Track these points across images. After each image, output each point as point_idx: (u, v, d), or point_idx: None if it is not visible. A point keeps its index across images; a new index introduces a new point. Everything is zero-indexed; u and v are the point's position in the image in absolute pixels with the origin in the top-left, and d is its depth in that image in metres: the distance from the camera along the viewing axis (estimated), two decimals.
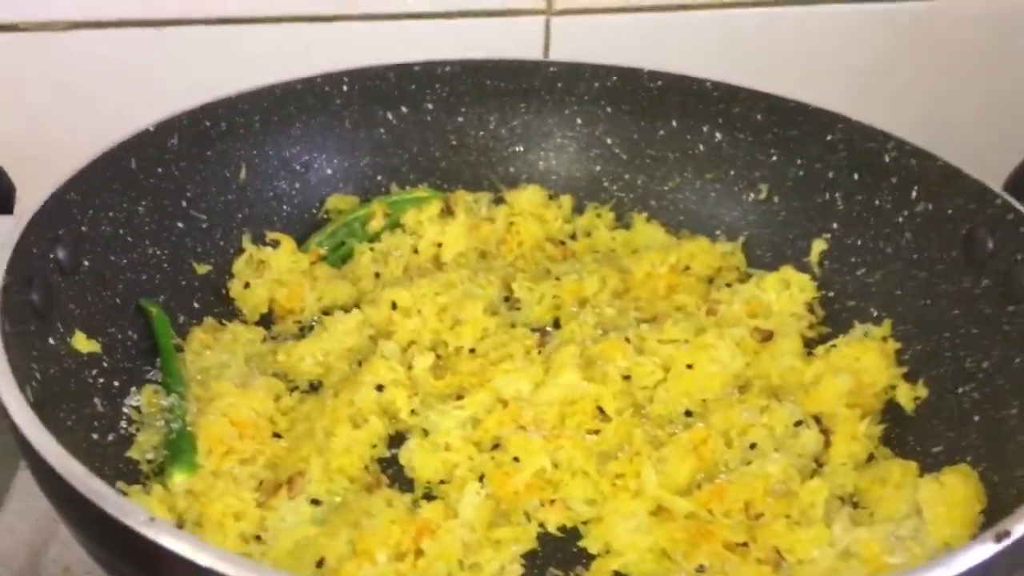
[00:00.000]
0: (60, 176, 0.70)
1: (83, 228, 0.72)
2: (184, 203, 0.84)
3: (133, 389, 0.72)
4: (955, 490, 0.61)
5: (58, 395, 0.62)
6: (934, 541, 0.60)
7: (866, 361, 0.78)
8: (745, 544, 0.63)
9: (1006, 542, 0.42)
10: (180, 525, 0.63)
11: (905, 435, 0.74)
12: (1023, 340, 0.69)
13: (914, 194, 0.82)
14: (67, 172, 0.70)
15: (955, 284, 0.78)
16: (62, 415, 0.62)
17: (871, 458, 0.73)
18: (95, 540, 0.47)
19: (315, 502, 0.66)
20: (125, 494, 0.63)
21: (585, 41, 1.09)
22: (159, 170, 0.81)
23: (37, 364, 0.61)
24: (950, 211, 0.79)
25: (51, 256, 0.67)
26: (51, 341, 0.65)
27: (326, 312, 0.87)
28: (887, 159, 0.85)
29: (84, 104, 1.04)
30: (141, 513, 0.41)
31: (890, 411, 0.77)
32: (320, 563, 0.60)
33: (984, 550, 0.42)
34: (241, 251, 0.88)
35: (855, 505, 0.69)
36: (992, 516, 0.61)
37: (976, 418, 0.70)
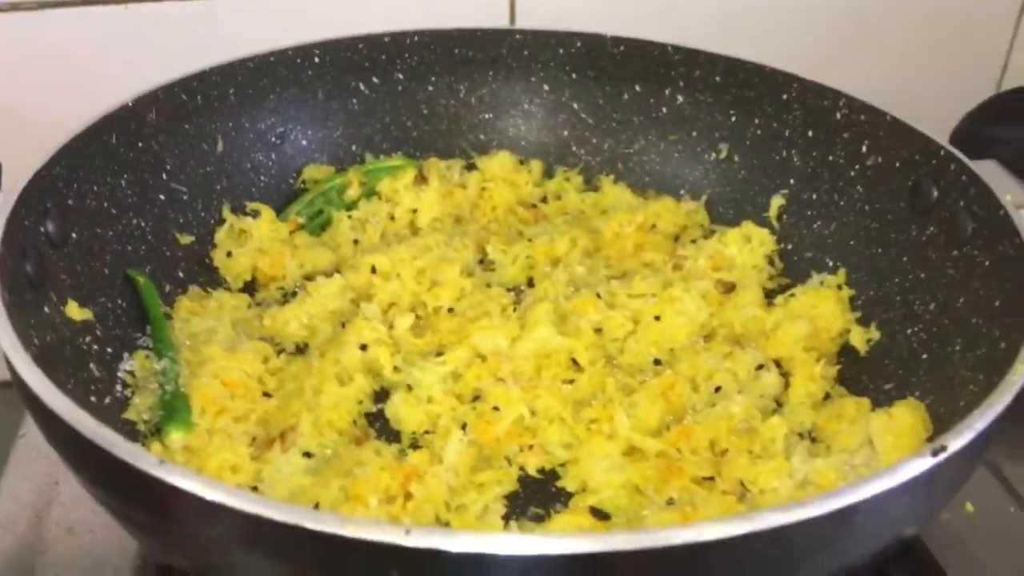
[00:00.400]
0: (45, 152, 0.72)
1: (69, 202, 0.74)
2: (164, 176, 0.86)
3: (126, 355, 0.75)
4: (903, 420, 0.66)
5: (56, 360, 0.65)
6: (884, 467, 0.65)
7: (822, 308, 0.83)
8: (711, 478, 0.68)
9: (942, 456, 0.46)
10: None
11: (859, 375, 0.79)
12: (965, 282, 0.73)
13: (864, 148, 0.87)
14: (51, 147, 0.72)
15: (904, 233, 0.82)
16: (61, 378, 0.64)
17: (828, 397, 0.77)
18: (107, 487, 0.50)
19: (307, 455, 0.69)
20: None
21: (551, 3, 1.12)
22: (139, 144, 0.83)
23: (35, 331, 0.64)
24: (898, 164, 0.83)
25: (41, 229, 0.70)
26: (46, 310, 0.68)
27: (308, 278, 0.90)
28: (838, 116, 0.89)
29: (57, 82, 1.05)
30: (151, 457, 0.44)
31: (845, 353, 0.82)
32: (315, 509, 0.64)
33: (923, 463, 0.46)
34: (222, 221, 0.90)
35: (813, 440, 0.73)
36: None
37: (924, 356, 0.75)
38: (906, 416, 0.67)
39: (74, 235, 0.74)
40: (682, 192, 1.00)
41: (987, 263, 0.71)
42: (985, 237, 0.72)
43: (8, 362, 0.54)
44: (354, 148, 1.01)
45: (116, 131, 0.80)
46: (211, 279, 0.88)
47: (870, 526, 0.47)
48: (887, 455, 0.65)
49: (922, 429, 0.66)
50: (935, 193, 0.79)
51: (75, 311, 0.71)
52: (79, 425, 0.48)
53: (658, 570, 0.42)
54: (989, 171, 0.78)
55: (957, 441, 0.48)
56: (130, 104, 0.81)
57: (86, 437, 0.47)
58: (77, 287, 0.73)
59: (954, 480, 0.50)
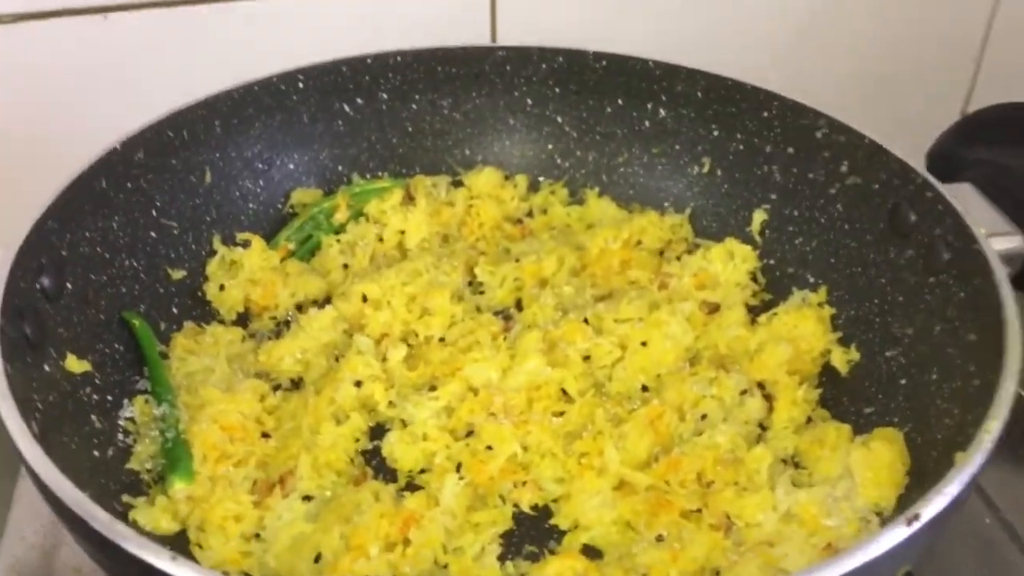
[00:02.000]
0: (36, 207, 0.73)
1: (63, 252, 0.75)
2: (154, 212, 0.87)
3: (125, 401, 0.76)
4: (881, 455, 0.69)
5: (59, 420, 0.67)
6: (864, 502, 0.68)
7: (804, 328, 0.85)
8: (699, 511, 0.71)
9: (916, 525, 0.49)
10: (184, 530, 0.69)
11: (840, 396, 0.82)
12: (942, 310, 0.76)
13: (844, 168, 0.88)
14: (42, 201, 0.73)
15: (882, 254, 0.84)
16: (65, 439, 0.66)
17: (809, 420, 0.80)
18: (120, 573, 0.52)
19: (307, 498, 0.72)
20: (132, 507, 0.68)
21: (532, 16, 1.12)
22: (128, 185, 0.83)
23: (37, 394, 0.65)
24: (876, 186, 0.85)
25: (37, 286, 0.71)
26: (46, 368, 0.69)
27: (300, 306, 0.91)
28: (819, 135, 0.90)
29: (34, 93, 1.04)
30: (164, 553, 0.46)
31: (826, 374, 0.84)
32: (317, 558, 0.66)
33: (898, 533, 0.49)
34: (213, 253, 0.91)
35: (796, 465, 0.76)
36: (916, 477, 0.69)
37: (902, 381, 0.78)
38: (884, 450, 0.69)
39: (69, 285, 0.75)
40: (666, 205, 1.02)
41: (962, 295, 0.73)
42: (960, 268, 0.74)
43: (17, 451, 0.56)
44: (341, 169, 1.02)
45: (105, 175, 0.81)
46: (204, 312, 0.89)
47: None
48: (866, 491, 0.68)
49: (900, 463, 0.69)
50: (912, 218, 0.81)
51: (74, 364, 0.72)
52: (94, 521, 0.50)
53: None
54: (965, 197, 0.80)
55: (930, 509, 0.50)
56: (118, 147, 0.82)
57: (100, 532, 0.49)
58: (74, 339, 0.74)
59: (930, 536, 0.52)
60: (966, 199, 0.80)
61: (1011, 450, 0.59)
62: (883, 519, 0.67)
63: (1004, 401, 0.58)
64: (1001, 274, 0.68)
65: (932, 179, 0.79)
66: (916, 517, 0.49)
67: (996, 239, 0.75)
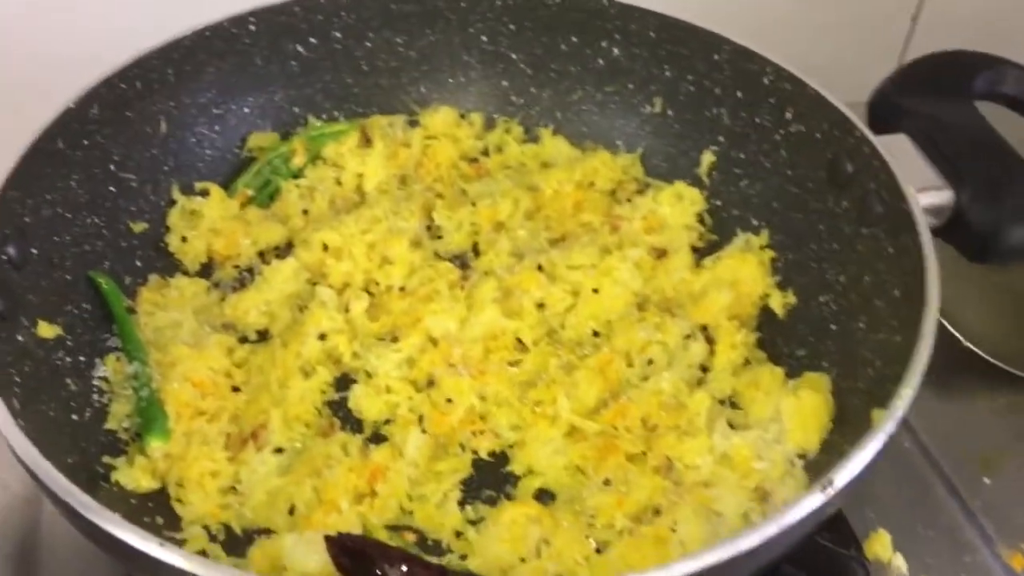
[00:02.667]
0: None
1: (26, 219, 0.76)
2: (112, 167, 0.87)
3: (98, 360, 0.79)
4: (808, 402, 0.75)
5: (37, 390, 0.70)
6: (792, 446, 0.74)
7: (746, 272, 0.90)
8: (643, 454, 0.77)
9: (831, 490, 0.55)
10: (163, 487, 0.73)
11: (776, 338, 0.88)
12: (872, 262, 0.80)
13: (788, 115, 0.91)
14: (0, 172, 0.74)
15: (821, 202, 0.88)
16: (43, 408, 0.70)
17: (747, 361, 0.86)
18: (114, 555, 0.57)
19: (279, 450, 0.76)
20: (113, 467, 0.72)
21: None
22: (85, 142, 0.84)
23: (14, 367, 0.68)
24: (818, 135, 0.88)
25: (3, 257, 0.72)
26: (20, 339, 0.72)
27: (261, 253, 0.94)
28: (766, 81, 0.92)
29: None
30: (153, 540, 0.51)
31: (763, 316, 0.90)
32: (292, 510, 0.72)
33: (814, 500, 0.55)
34: (173, 203, 0.93)
35: (733, 405, 0.82)
36: (838, 423, 0.75)
37: (833, 327, 0.83)
38: (811, 398, 0.76)
39: (34, 251, 0.77)
40: (618, 144, 1.04)
41: (891, 249, 0.78)
42: (890, 224, 0.78)
43: (8, 444, 0.59)
44: (296, 111, 1.02)
45: (62, 136, 0.81)
46: (168, 264, 0.91)
47: (773, 549, 0.56)
48: (794, 436, 0.74)
49: (825, 410, 0.75)
50: (850, 169, 0.85)
51: (46, 329, 0.75)
52: (83, 509, 0.54)
53: None
54: (899, 149, 0.83)
55: (843, 475, 0.56)
56: (73, 106, 0.82)
57: (90, 519, 0.53)
58: (43, 304, 0.76)
59: (845, 497, 0.59)
60: (901, 152, 0.83)
61: (929, 377, 0.64)
62: (807, 462, 0.74)
63: (918, 368, 0.63)
64: (927, 236, 0.72)
65: (869, 134, 0.82)
66: (830, 483, 0.55)
67: (926, 194, 0.79)
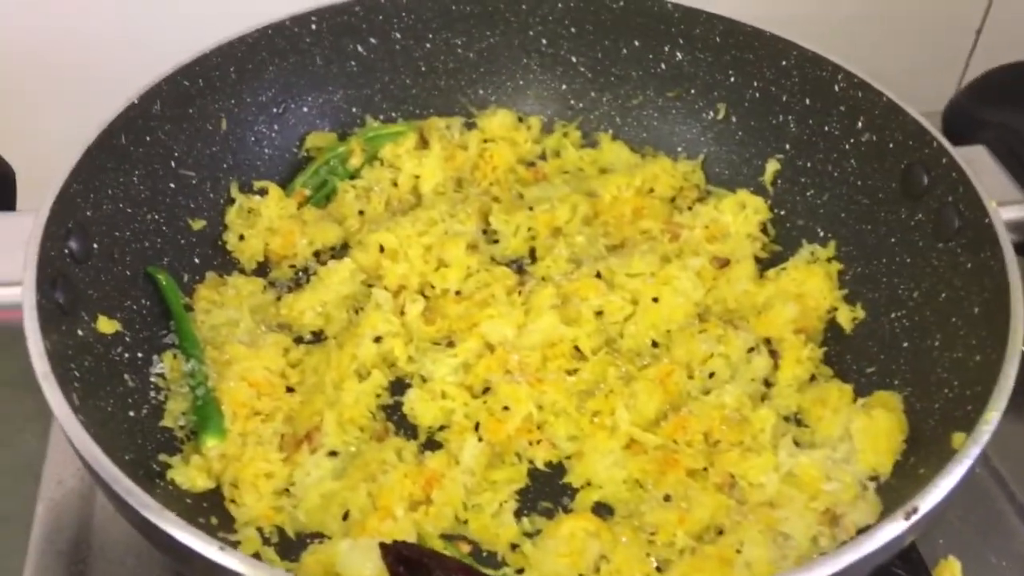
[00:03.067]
0: (60, 171, 0.73)
1: (88, 213, 0.76)
2: (173, 163, 0.87)
3: (155, 357, 0.79)
4: (881, 422, 0.72)
5: (96, 385, 0.70)
6: (862, 467, 0.71)
7: (812, 284, 0.87)
8: (705, 469, 0.75)
9: (914, 518, 0.52)
10: (218, 486, 0.73)
11: (843, 354, 0.85)
12: (949, 277, 0.77)
13: (860, 124, 0.88)
14: (65, 166, 0.74)
15: (893, 213, 0.85)
16: (102, 403, 0.69)
17: (813, 378, 0.83)
18: (168, 554, 0.56)
19: (333, 453, 0.75)
20: (169, 466, 0.72)
21: None
22: (147, 138, 0.84)
23: (74, 362, 0.68)
24: (891, 144, 0.85)
25: (65, 251, 0.72)
26: (80, 333, 0.71)
27: (317, 253, 0.93)
28: (836, 88, 0.90)
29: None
30: (214, 543, 0.50)
31: (831, 331, 0.87)
32: (345, 516, 0.70)
33: (896, 527, 0.52)
34: (231, 201, 0.92)
35: (798, 423, 0.80)
36: (913, 444, 0.72)
37: (905, 344, 0.80)
38: (884, 418, 0.73)
39: (96, 246, 0.77)
40: (679, 151, 1.02)
41: (969, 265, 0.75)
42: (969, 238, 0.76)
43: (68, 439, 0.59)
44: (355, 111, 1.02)
45: (125, 132, 0.81)
46: (225, 262, 0.91)
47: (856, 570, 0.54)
48: (865, 457, 0.71)
49: (899, 431, 0.73)
50: (926, 181, 0.82)
51: (105, 324, 0.75)
52: (142, 508, 0.53)
53: None
54: (978, 160, 0.80)
55: (927, 501, 0.54)
56: (136, 101, 0.82)
57: (148, 518, 0.52)
58: (103, 298, 0.76)
59: (928, 525, 0.56)
60: (980, 163, 0.80)
61: None
62: (879, 485, 0.71)
63: (1004, 391, 0.60)
64: (1010, 254, 0.69)
65: (947, 144, 0.79)
66: (914, 510, 0.52)
67: (1007, 208, 0.76)
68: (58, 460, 0.85)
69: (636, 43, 1.01)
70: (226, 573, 0.51)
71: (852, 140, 0.89)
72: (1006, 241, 0.71)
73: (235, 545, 0.67)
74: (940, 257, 0.79)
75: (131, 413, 0.73)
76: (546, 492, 0.75)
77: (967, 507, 0.85)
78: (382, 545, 0.63)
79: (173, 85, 0.86)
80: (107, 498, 0.59)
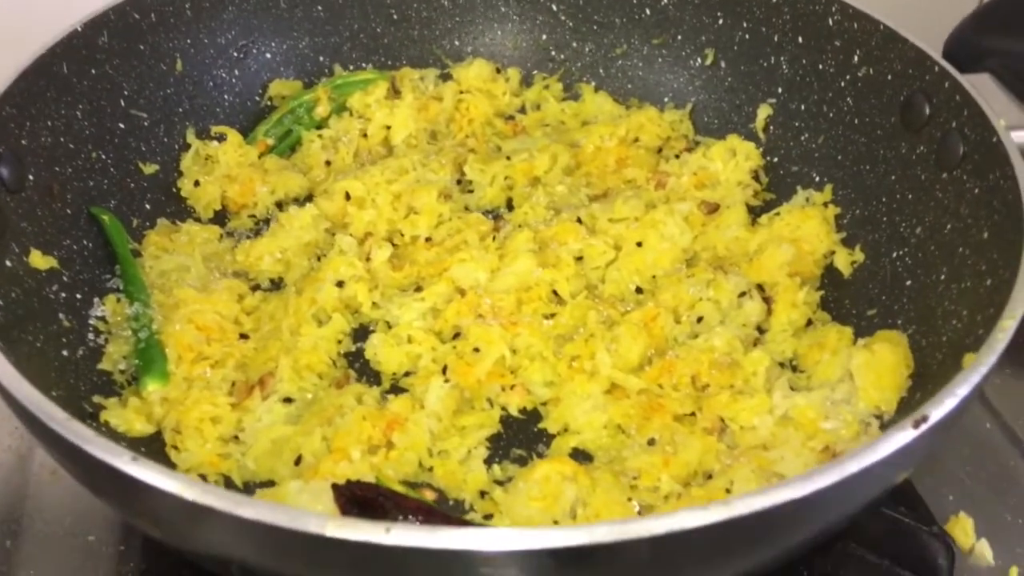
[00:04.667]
0: None
1: (23, 142, 0.70)
2: (123, 102, 0.82)
3: (96, 300, 0.73)
4: (884, 357, 0.66)
5: (23, 317, 0.64)
6: (865, 406, 0.65)
7: (807, 228, 0.81)
8: (692, 414, 0.68)
9: (924, 427, 0.46)
10: (159, 432, 0.66)
11: (842, 299, 0.79)
12: (954, 207, 0.72)
13: (856, 58, 0.83)
14: None
15: (893, 150, 0.80)
16: (29, 337, 0.63)
17: (810, 323, 0.77)
18: (83, 478, 0.50)
19: (288, 400, 0.69)
20: (103, 407, 0.65)
21: None
22: (92, 71, 0.78)
23: None
24: (890, 76, 0.80)
25: None
26: (8, 264, 0.65)
27: (280, 204, 0.87)
28: (830, 22, 0.84)
29: None
30: (125, 453, 0.43)
31: (828, 276, 0.81)
32: (298, 460, 0.64)
33: (904, 435, 0.46)
34: (187, 147, 0.87)
35: (794, 369, 0.74)
36: (919, 380, 0.66)
37: (908, 282, 0.74)
38: (888, 352, 0.67)
39: (31, 177, 0.71)
40: (666, 100, 0.97)
41: (976, 190, 0.69)
42: (976, 163, 0.70)
43: None
44: (322, 59, 0.96)
45: (66, 60, 0.75)
46: (179, 209, 0.85)
47: (854, 493, 0.47)
48: (867, 394, 0.65)
49: (903, 366, 0.66)
50: (927, 110, 0.76)
51: (39, 260, 0.69)
52: (50, 420, 0.47)
53: (644, 557, 0.42)
54: (983, 87, 0.75)
55: (939, 411, 0.47)
56: (79, 29, 0.76)
57: (58, 432, 0.46)
58: (39, 233, 0.70)
59: (937, 438, 0.50)
60: (985, 90, 0.75)
61: (1012, 355, 0.55)
62: (883, 422, 0.65)
63: (1021, 299, 0.54)
64: (1021, 168, 0.64)
65: (950, 67, 0.73)
66: (924, 419, 0.46)
67: (1015, 132, 0.70)
68: None
69: None
70: (149, 492, 0.45)
71: (848, 76, 0.84)
72: (1017, 158, 0.65)
73: None
74: (944, 188, 0.74)
75: (64, 352, 0.67)
76: (520, 439, 0.69)
77: (978, 463, 0.79)
78: (334, 486, 0.57)
79: (122, 17, 0.80)
80: (28, 428, 0.52)
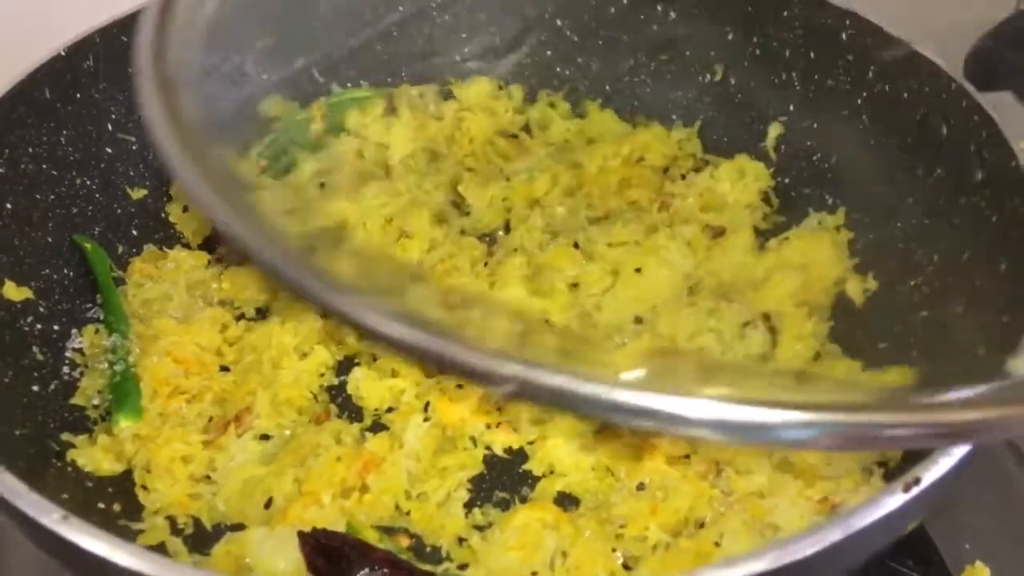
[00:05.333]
0: None
1: (0, 170, 0.69)
2: (110, 126, 0.80)
3: (74, 331, 0.71)
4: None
5: None
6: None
7: (818, 254, 0.77)
8: (687, 456, 0.64)
9: (915, 490, 0.42)
10: (130, 471, 0.64)
11: (853, 330, 0.74)
12: (971, 236, 0.67)
13: (871, 75, 0.79)
14: None
15: (909, 172, 0.75)
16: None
17: (818, 356, 0.73)
18: (21, 529, 0.47)
19: (264, 437, 0.67)
20: (73, 445, 0.63)
21: None
22: (77, 95, 0.77)
23: None
24: (905, 94, 0.76)
25: None
26: None
27: None
28: (844, 36, 0.80)
29: None
30: (55, 511, 0.41)
31: (840, 305, 0.77)
32: (268, 503, 0.61)
33: (894, 500, 0.42)
34: None
35: None
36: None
37: (923, 314, 0.70)
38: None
39: (8, 206, 0.69)
40: (674, 118, 0.93)
41: (994, 218, 0.65)
42: (994, 188, 0.66)
43: None
44: (318, 77, 0.94)
45: (48, 85, 0.74)
46: (168, 235, 0.83)
47: (846, 555, 0.43)
48: None
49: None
50: (944, 131, 0.72)
51: (12, 291, 0.67)
52: None
53: None
54: (1004, 106, 0.70)
55: (931, 473, 0.43)
56: (63, 53, 0.75)
57: None
58: (14, 263, 0.69)
59: (934, 498, 0.46)
60: (1005, 109, 0.70)
61: None
62: (888, 470, 0.60)
63: None
64: None
65: (968, 85, 0.69)
66: (916, 481, 0.42)
67: None
68: None
69: (625, 2, 0.92)
70: (81, 554, 0.42)
71: (863, 94, 0.80)
72: None
73: (135, 535, 0.59)
74: (962, 214, 0.69)
75: (35, 388, 0.65)
76: (503, 481, 0.65)
77: (998, 510, 0.74)
78: (300, 534, 0.54)
79: (107, 40, 0.78)
80: None
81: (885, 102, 0.78)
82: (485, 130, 0.93)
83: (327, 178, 0.88)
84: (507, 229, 0.85)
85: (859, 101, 0.80)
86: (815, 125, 0.84)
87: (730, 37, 0.89)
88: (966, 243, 0.68)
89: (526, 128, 0.95)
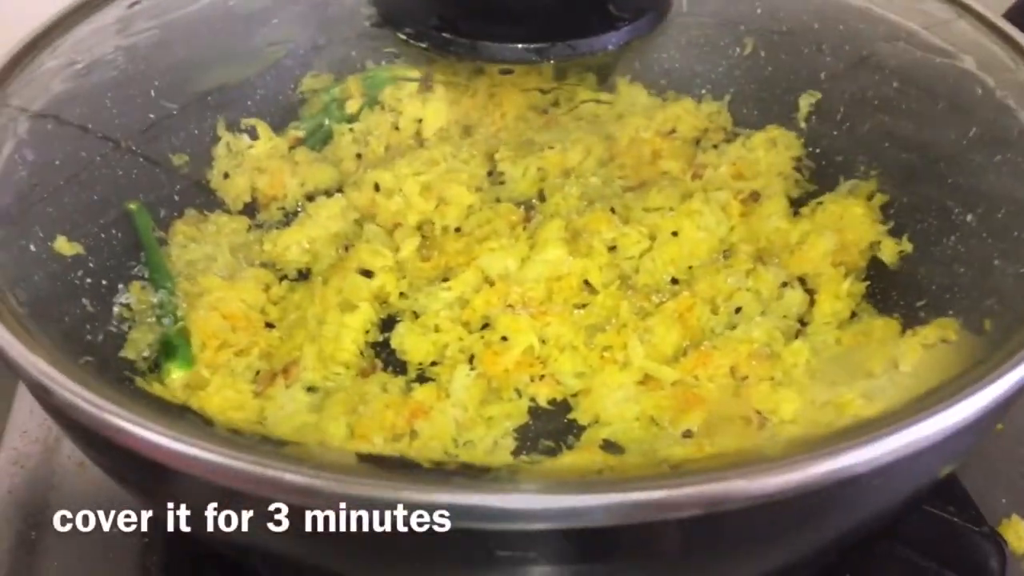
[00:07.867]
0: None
1: (49, 127, 0.70)
2: (153, 92, 0.81)
3: (121, 286, 0.72)
4: (933, 351, 0.62)
5: (45, 299, 0.63)
6: (910, 392, 0.61)
7: (851, 218, 0.78)
8: (730, 407, 0.65)
9: None
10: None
11: (889, 291, 0.75)
12: (1009, 190, 0.68)
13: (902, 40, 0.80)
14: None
15: (943, 133, 0.76)
16: (53, 319, 0.63)
17: (854, 315, 0.74)
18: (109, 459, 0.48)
19: (311, 389, 0.67)
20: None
21: None
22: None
23: (18, 270, 0.61)
24: (937, 58, 0.77)
25: (16, 157, 0.66)
26: (32, 248, 0.65)
27: (310, 197, 0.86)
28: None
29: None
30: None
31: (875, 267, 0.77)
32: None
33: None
34: (217, 138, 0.86)
35: None
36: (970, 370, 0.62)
37: (960, 271, 0.70)
38: (936, 339, 0.63)
39: (57, 162, 0.70)
40: (703, 92, 0.94)
41: None
42: None
43: None
44: (354, 54, 0.95)
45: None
46: (209, 201, 0.84)
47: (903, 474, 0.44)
48: (917, 385, 0.61)
49: (954, 355, 0.63)
50: (979, 89, 0.73)
51: (64, 246, 0.68)
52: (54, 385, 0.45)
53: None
54: None
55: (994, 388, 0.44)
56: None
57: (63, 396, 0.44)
58: (65, 219, 0.69)
59: (992, 420, 0.46)
60: None
61: None
62: None
63: None
64: None
65: (1011, 29, 0.70)
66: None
67: None
68: (24, 410, 0.79)
69: None
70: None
71: (895, 60, 0.81)
72: None
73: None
74: (998, 171, 0.70)
75: (87, 337, 0.66)
76: (548, 430, 0.66)
77: None
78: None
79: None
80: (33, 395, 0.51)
81: (917, 64, 0.79)
82: (517, 104, 0.94)
83: (363, 150, 0.90)
84: (541, 198, 0.86)
85: (891, 67, 0.81)
86: (846, 94, 0.85)
87: (759, 10, 0.90)
88: (1004, 199, 0.69)
89: (556, 103, 0.97)
